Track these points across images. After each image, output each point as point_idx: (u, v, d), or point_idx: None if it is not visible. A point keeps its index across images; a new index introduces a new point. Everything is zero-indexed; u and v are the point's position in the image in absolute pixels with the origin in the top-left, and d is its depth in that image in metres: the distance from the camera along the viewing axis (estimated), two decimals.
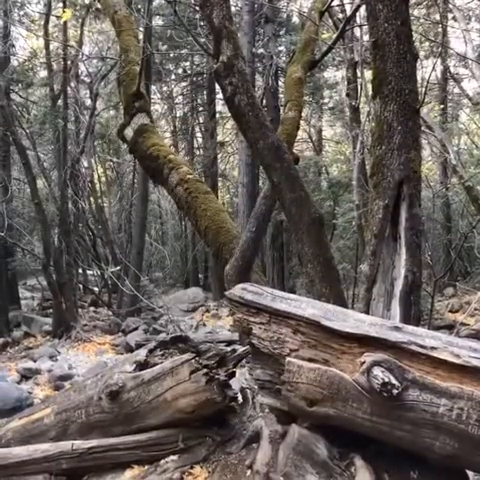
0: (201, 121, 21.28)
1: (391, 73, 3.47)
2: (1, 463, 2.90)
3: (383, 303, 3.49)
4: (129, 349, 10.20)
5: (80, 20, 15.05)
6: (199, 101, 21.66)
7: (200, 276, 22.61)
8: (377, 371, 2.23)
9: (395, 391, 2.19)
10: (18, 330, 13.25)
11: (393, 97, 3.48)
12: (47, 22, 13.28)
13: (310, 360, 2.45)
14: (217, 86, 17.35)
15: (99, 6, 9.50)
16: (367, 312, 3.43)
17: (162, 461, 2.96)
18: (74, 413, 3.31)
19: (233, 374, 3.16)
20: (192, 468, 2.84)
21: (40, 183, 15.24)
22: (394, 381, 2.20)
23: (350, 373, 2.34)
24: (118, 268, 12.70)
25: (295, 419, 2.55)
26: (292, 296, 2.73)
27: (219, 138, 20.13)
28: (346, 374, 2.34)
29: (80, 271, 17.45)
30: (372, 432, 2.36)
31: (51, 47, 14.29)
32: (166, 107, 21.14)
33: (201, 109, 21.21)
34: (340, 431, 2.44)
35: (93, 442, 3.09)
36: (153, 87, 18.16)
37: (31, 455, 2.96)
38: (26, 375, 9.36)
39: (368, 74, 9.66)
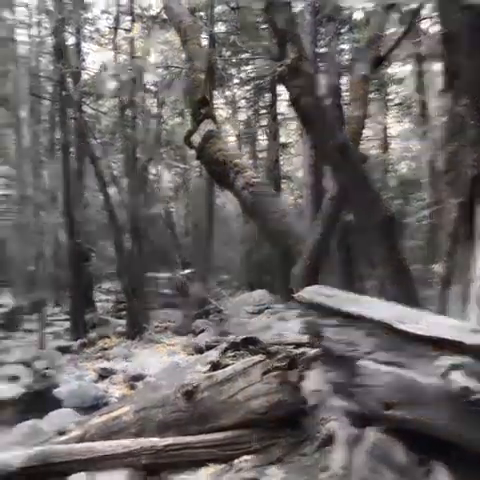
0: (264, 123, 21.31)
1: (463, 66, 3.35)
2: (88, 456, 3.08)
3: (458, 305, 3.38)
4: (199, 350, 10.36)
5: (146, 31, 15.54)
6: (261, 104, 21.71)
7: (266, 278, 22.58)
8: (456, 375, 2.16)
9: (476, 396, 2.11)
10: (94, 331, 13.88)
11: (465, 91, 3.36)
12: (115, 36, 13.88)
13: (384, 363, 2.41)
14: (279, 88, 17.41)
15: (165, 17, 9.78)
16: (442, 314, 3.33)
17: (236, 461, 3.00)
18: (151, 411, 3.44)
19: (304, 376, 3.16)
20: (267, 468, 2.87)
21: (111, 191, 15.82)
22: (474, 385, 2.12)
23: (426, 376, 2.28)
24: (188, 271, 13.00)
25: (369, 422, 2.52)
26: (363, 298, 2.70)
27: (282, 139, 20.08)
28: (422, 377, 2.28)
29: (151, 274, 17.96)
30: (452, 437, 2.29)
31: (119, 59, 14.89)
32: (230, 111, 21.37)
33: (263, 112, 21.25)
34: (418, 436, 2.37)
35: (169, 440, 3.19)
36: (215, 92, 18.39)
37: (114, 450, 3.10)
38: (102, 375, 9.81)
39: (437, 67, 9.30)
